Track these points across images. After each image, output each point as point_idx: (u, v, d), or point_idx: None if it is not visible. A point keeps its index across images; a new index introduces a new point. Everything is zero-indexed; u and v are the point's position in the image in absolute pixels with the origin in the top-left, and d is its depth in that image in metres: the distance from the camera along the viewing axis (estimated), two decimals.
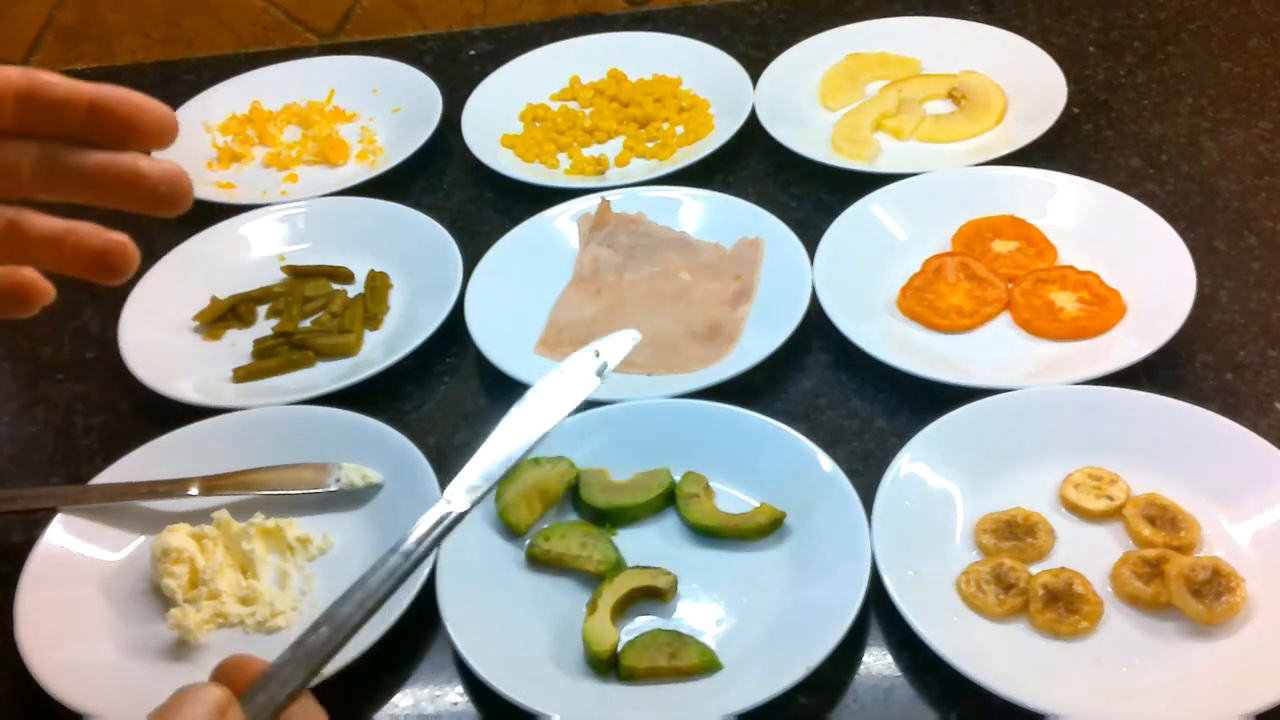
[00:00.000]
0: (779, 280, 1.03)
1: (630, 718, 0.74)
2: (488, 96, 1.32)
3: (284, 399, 0.98)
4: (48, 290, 0.52)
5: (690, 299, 1.04)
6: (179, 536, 0.84)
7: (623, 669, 0.76)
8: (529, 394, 0.59)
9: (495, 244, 1.10)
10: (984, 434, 0.85)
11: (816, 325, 0.98)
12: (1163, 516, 0.79)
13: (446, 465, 0.90)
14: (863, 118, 1.21)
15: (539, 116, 1.30)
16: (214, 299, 1.10)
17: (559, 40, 1.39)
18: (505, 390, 0.98)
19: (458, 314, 1.03)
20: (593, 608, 0.78)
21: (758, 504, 0.84)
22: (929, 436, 0.84)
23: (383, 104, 1.36)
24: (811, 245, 1.03)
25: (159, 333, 1.07)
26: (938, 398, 0.88)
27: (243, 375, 1.02)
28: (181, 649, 0.82)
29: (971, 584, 0.77)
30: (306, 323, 1.08)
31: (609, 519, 0.86)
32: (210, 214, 1.19)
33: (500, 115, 1.31)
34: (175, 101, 1.36)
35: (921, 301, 0.99)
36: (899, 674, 0.76)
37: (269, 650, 0.80)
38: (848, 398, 0.94)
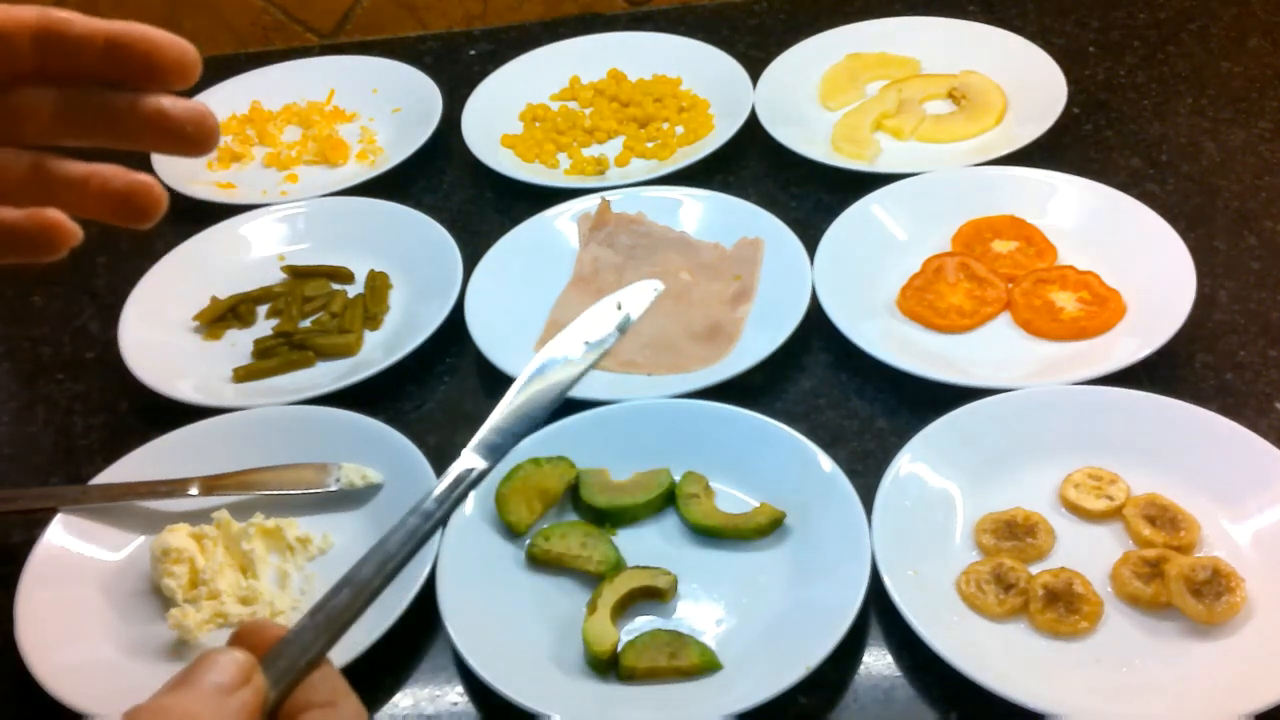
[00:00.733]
0: (779, 280, 1.03)
1: (630, 718, 0.74)
2: (488, 96, 1.32)
3: (284, 399, 0.98)
4: (75, 232, 0.50)
5: (690, 299, 1.04)
6: (179, 536, 0.84)
7: (623, 669, 0.76)
8: (547, 347, 0.56)
9: (495, 244, 1.10)
10: (984, 434, 0.85)
11: (816, 325, 0.98)
12: (1163, 516, 0.79)
13: (446, 465, 0.89)
14: (863, 118, 1.21)
15: (539, 116, 1.30)
16: (214, 299, 1.10)
17: (559, 40, 1.39)
18: (505, 390, 0.97)
19: (458, 314, 1.03)
20: (593, 608, 0.78)
21: (758, 504, 0.84)
22: (929, 436, 0.84)
23: (383, 104, 1.36)
24: (811, 245, 1.03)
25: (159, 333, 1.07)
26: (938, 398, 0.88)
27: (243, 375, 1.02)
28: (181, 649, 0.82)
29: (971, 584, 0.77)
30: (306, 323, 1.08)
31: (609, 519, 0.86)
32: (210, 214, 1.19)
33: (500, 115, 1.31)
34: None
35: (921, 301, 0.99)
36: (899, 674, 0.76)
37: None
38: (848, 398, 0.94)
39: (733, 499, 0.86)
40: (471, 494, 0.85)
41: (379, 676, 0.79)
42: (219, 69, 1.44)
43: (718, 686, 0.74)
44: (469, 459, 0.53)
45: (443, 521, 0.51)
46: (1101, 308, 0.96)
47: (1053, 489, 0.83)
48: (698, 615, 0.80)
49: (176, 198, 1.24)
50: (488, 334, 1.01)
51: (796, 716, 0.74)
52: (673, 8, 1.46)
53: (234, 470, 0.91)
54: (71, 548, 0.88)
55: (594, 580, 0.81)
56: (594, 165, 1.21)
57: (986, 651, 0.74)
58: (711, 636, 0.78)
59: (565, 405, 0.92)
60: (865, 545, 0.78)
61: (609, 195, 1.14)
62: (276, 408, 0.96)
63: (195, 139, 0.48)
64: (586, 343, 0.56)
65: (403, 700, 0.78)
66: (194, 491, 0.90)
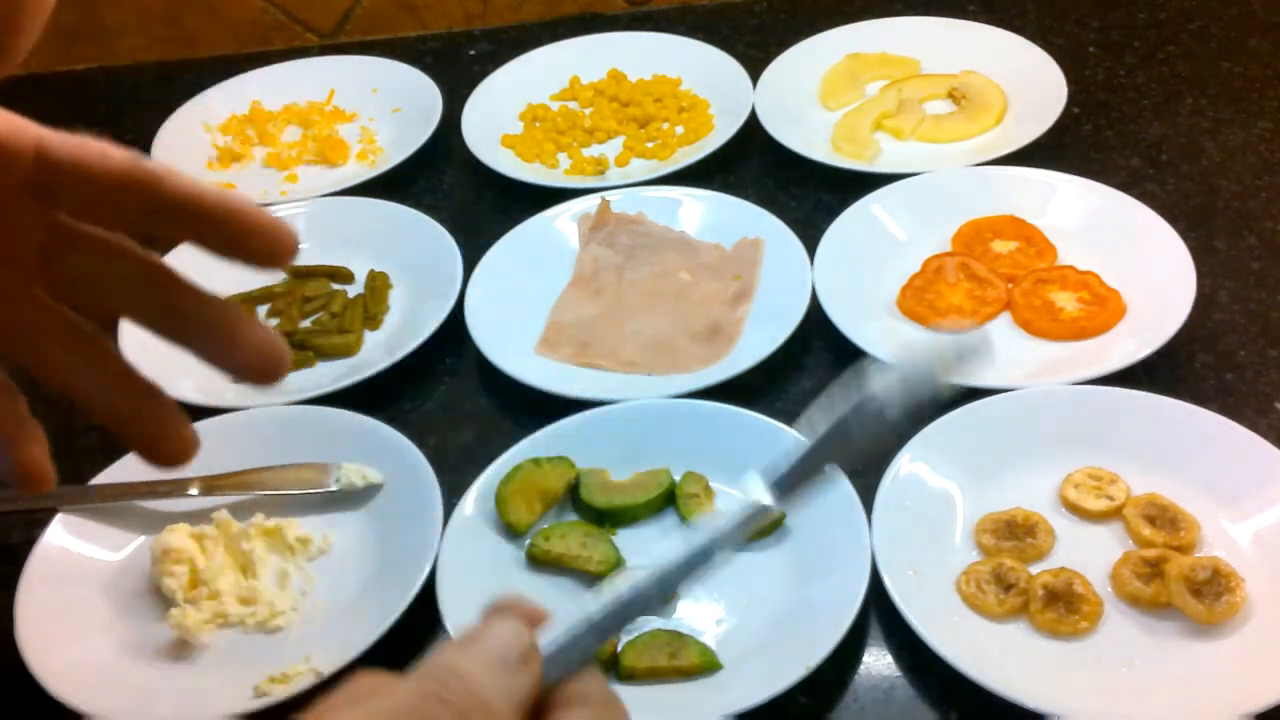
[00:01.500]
0: (779, 280, 1.03)
1: (630, 718, 0.74)
2: (488, 96, 1.32)
3: (284, 399, 0.97)
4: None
5: (690, 299, 1.04)
6: (179, 536, 0.84)
7: (623, 669, 0.76)
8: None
9: (495, 244, 1.10)
10: (984, 434, 0.85)
11: (816, 325, 0.98)
12: (1163, 516, 0.79)
13: (446, 465, 0.90)
14: (863, 118, 1.21)
15: (539, 116, 1.30)
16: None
17: (559, 40, 1.39)
18: (505, 390, 0.98)
19: (458, 314, 1.03)
20: None
21: None
22: (929, 436, 0.84)
23: (383, 104, 1.36)
24: (811, 245, 1.03)
25: None
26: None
27: None
28: (181, 649, 0.82)
29: (971, 584, 0.77)
30: (306, 323, 1.08)
31: (609, 519, 0.86)
32: None
33: (500, 115, 1.30)
34: (175, 102, 1.35)
35: (921, 301, 0.99)
36: (899, 674, 0.76)
37: (269, 650, 0.81)
38: None
39: (733, 499, 0.86)
40: (472, 494, 0.86)
41: None
42: (219, 69, 1.44)
43: (718, 686, 0.74)
44: (762, 496, 0.50)
45: (725, 546, 0.49)
46: (1101, 308, 0.96)
47: (1053, 489, 0.83)
48: (698, 615, 0.80)
49: None
50: (488, 334, 1.01)
51: (796, 716, 0.74)
52: (673, 8, 1.46)
53: (234, 470, 0.91)
54: (71, 548, 0.88)
55: (594, 580, 0.81)
56: (594, 165, 1.21)
57: (986, 651, 0.74)
58: (711, 636, 0.78)
59: (565, 405, 0.93)
60: (865, 545, 0.78)
61: (609, 195, 1.14)
62: (276, 408, 0.96)
63: (258, 374, 0.45)
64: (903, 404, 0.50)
65: None
66: (194, 491, 0.90)
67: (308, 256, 1.15)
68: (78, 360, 0.47)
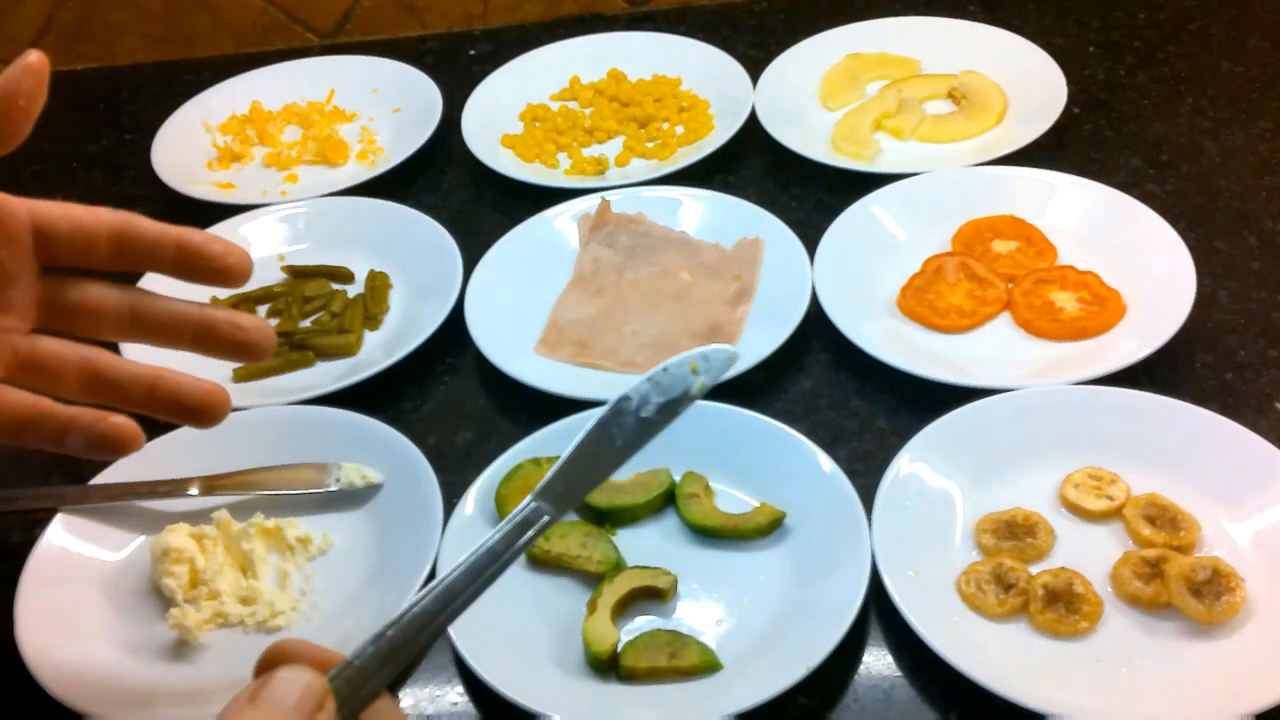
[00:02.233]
0: (779, 280, 1.03)
1: (630, 718, 0.74)
2: (488, 96, 1.32)
3: (284, 399, 0.98)
4: (139, 436, 0.59)
5: (690, 299, 1.04)
6: (179, 536, 0.84)
7: (623, 669, 0.76)
8: (628, 390, 0.54)
9: (495, 244, 1.10)
10: (984, 434, 0.85)
11: (816, 325, 0.98)
12: (1163, 516, 0.79)
13: (446, 465, 0.90)
14: (863, 118, 1.21)
15: (539, 116, 1.30)
16: (214, 299, 1.10)
17: (559, 40, 1.39)
18: (505, 390, 0.98)
19: (458, 314, 1.03)
20: (593, 608, 0.78)
21: (758, 504, 0.84)
22: (929, 436, 0.84)
23: (383, 104, 1.36)
24: (811, 245, 1.03)
25: None
26: (938, 398, 0.88)
27: (243, 375, 1.02)
28: (181, 649, 0.82)
29: (971, 584, 0.77)
30: (306, 323, 1.08)
31: (609, 519, 0.86)
32: (210, 214, 1.19)
33: (500, 115, 1.31)
34: (175, 102, 1.36)
35: (921, 301, 0.99)
36: (899, 674, 0.76)
37: None
38: (848, 398, 0.94)
39: (733, 499, 0.86)
40: (472, 494, 0.86)
41: None
42: (219, 69, 1.44)
43: (718, 686, 0.74)
44: (537, 506, 0.51)
45: (508, 565, 0.50)
46: (1101, 308, 0.96)
47: (1053, 489, 0.83)
48: (698, 615, 0.80)
49: (176, 198, 1.24)
50: (488, 334, 1.01)
51: (796, 716, 0.74)
52: (673, 8, 1.46)
53: (234, 470, 0.91)
54: (71, 548, 0.88)
55: (594, 580, 0.81)
56: (594, 165, 1.21)
57: (986, 651, 0.74)
58: (711, 636, 0.78)
59: (565, 405, 0.93)
60: (865, 545, 0.78)
61: (609, 195, 1.14)
62: (276, 408, 0.96)
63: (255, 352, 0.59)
64: (660, 404, 0.54)
65: (403, 700, 0.78)
66: (194, 491, 0.90)
67: (308, 256, 1.15)
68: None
